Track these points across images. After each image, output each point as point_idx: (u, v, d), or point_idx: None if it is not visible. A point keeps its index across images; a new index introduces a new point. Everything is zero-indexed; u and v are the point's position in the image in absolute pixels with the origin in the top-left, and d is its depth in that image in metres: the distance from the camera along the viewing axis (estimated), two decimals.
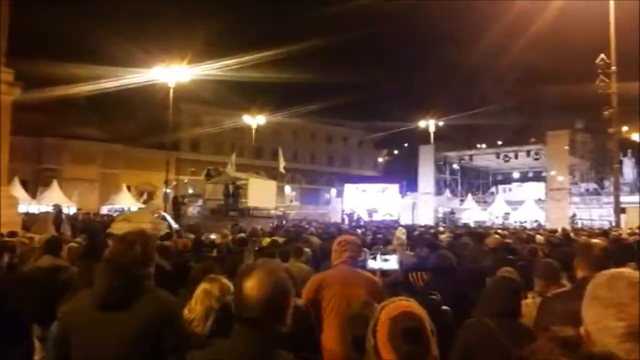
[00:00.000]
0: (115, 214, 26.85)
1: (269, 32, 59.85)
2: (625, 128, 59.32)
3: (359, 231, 18.67)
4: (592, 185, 41.08)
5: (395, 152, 70.45)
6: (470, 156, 37.95)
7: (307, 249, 6.84)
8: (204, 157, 55.70)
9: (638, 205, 38.84)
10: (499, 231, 12.01)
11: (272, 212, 26.06)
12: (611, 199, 41.32)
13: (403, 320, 1.87)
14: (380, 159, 71.77)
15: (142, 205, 31.79)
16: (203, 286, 3.10)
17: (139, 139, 48.21)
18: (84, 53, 37.41)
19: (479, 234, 9.82)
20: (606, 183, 43.62)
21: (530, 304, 3.81)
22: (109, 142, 50.39)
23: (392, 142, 65.78)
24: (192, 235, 12.20)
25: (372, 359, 1.90)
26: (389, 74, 68.93)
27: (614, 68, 20.16)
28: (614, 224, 32.72)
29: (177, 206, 25.29)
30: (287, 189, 45.96)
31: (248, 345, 1.85)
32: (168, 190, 32.98)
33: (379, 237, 11.22)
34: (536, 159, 34.52)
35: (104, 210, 41.67)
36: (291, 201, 46.11)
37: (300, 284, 5.33)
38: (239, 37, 52.90)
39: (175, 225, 19.08)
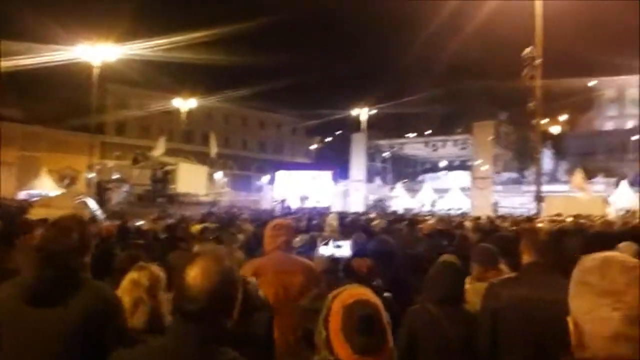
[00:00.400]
0: (34, 200, 25.34)
1: (204, 11, 58.59)
2: (545, 120, 62.47)
3: (292, 217, 18.60)
4: (514, 175, 42.98)
5: (328, 139, 70.67)
6: (401, 145, 38.65)
7: (240, 235, 6.61)
8: (131, 141, 53.61)
9: (556, 194, 41.14)
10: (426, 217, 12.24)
11: (203, 198, 25.43)
12: (531, 187, 43.40)
13: (358, 308, 1.70)
14: (312, 147, 71.82)
15: (63, 190, 30.22)
16: (130, 276, 2.82)
17: (61, 121, 45.70)
18: None
19: (411, 220, 9.89)
20: (526, 173, 45.81)
21: (469, 289, 3.78)
22: (28, 123, 47.49)
23: (324, 129, 65.90)
24: (117, 222, 11.66)
25: (322, 353, 1.73)
26: (323, 61, 69.09)
27: (539, 61, 20.92)
28: (534, 212, 34.51)
29: (101, 191, 24.19)
30: (218, 175, 45.11)
31: (186, 342, 1.61)
32: (91, 175, 31.48)
33: (314, 223, 11.10)
34: (463, 149, 35.64)
35: (22, 195, 39.29)
36: (222, 188, 45.29)
37: None
38: (171, 16, 50.90)
39: (98, 211, 18.22)
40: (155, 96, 50.16)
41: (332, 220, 10.41)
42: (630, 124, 67.61)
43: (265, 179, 58.16)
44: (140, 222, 10.53)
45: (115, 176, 42.10)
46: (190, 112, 46.65)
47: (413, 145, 39.06)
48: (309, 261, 4.02)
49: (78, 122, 40.40)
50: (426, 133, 45.29)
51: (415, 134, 46.81)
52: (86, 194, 23.16)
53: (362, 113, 45.48)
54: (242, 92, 51.04)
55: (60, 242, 2.36)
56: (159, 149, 25.86)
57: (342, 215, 17.04)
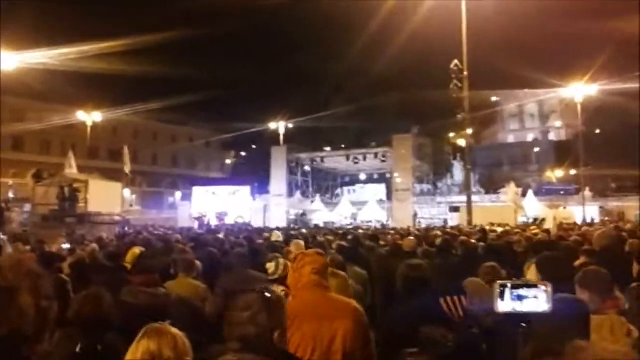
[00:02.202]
0: None
1: (112, 19, 55.72)
2: (452, 134, 65.02)
3: (220, 235, 17.40)
4: (427, 187, 43.99)
5: (243, 153, 69.38)
6: (322, 158, 38.34)
7: (197, 262, 5.58)
8: (29, 157, 49.79)
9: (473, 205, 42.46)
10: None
11: (117, 217, 23.49)
12: (444, 198, 44.79)
13: None
14: (228, 161, 70.17)
15: None
16: (144, 345, 1.89)
17: None
18: None
19: (373, 235, 9.23)
20: (439, 184, 47.17)
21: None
22: None
23: (239, 143, 64.64)
24: (26, 247, 10.07)
25: None
26: (237, 74, 67.92)
27: (466, 73, 21.28)
28: (447, 222, 35.37)
29: (0, 212, 21.65)
30: (126, 192, 42.57)
31: None
32: None
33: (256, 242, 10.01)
34: (383, 161, 35.89)
35: None
36: (131, 205, 42.74)
37: (180, 307, 4.20)
38: (76, 23, 47.94)
39: (1, 235, 16.10)
40: (56, 109, 46.73)
41: (276, 238, 9.54)
42: (530, 137, 72.01)
43: (178, 195, 55.92)
44: (65, 246, 9.07)
45: (11, 195, 38.58)
46: (95, 127, 43.76)
47: (334, 159, 38.84)
48: (352, 301, 3.10)
49: None
50: (342, 146, 45.38)
51: (329, 148, 46.80)
52: None
53: (280, 126, 44.83)
54: (152, 104, 48.77)
55: None
56: (69, 165, 23.66)
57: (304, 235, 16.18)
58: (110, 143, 55.68)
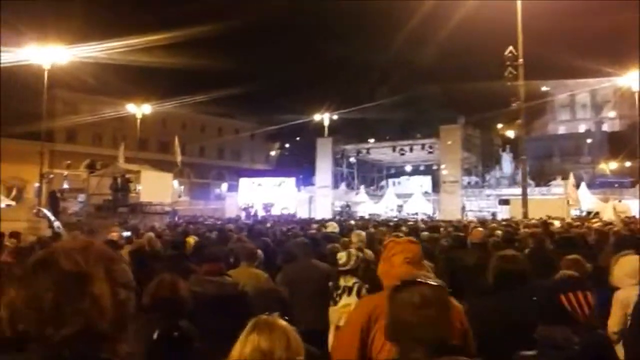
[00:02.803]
0: None
1: (160, 13, 56.74)
2: (500, 125, 63.60)
3: (267, 225, 17.47)
4: (475, 179, 43.10)
5: (287, 145, 69.65)
6: (367, 149, 38.03)
7: (259, 251, 5.51)
8: (82, 149, 51.29)
9: (519, 197, 41.44)
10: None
11: (167, 208, 23.91)
12: (493, 191, 43.82)
13: None
14: (272, 153, 70.61)
15: (11, 202, 28.00)
16: (252, 341, 1.76)
17: (6, 129, 42.93)
18: None
19: (433, 227, 9.00)
20: (487, 176, 46.15)
21: None
22: None
23: (284, 135, 64.86)
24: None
25: None
26: (282, 66, 68.12)
27: (521, 60, 20.60)
28: (496, 215, 34.58)
29: (55, 202, 22.29)
30: (175, 183, 43.37)
31: None
32: (39, 185, 29.24)
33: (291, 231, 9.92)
34: (429, 153, 35.32)
35: None
36: (179, 196, 43.54)
37: (259, 298, 4.11)
38: (125, 18, 48.87)
39: (56, 223, 16.62)
40: (107, 102, 47.91)
41: (333, 229, 9.42)
42: (581, 128, 69.63)
43: (225, 186, 56.66)
44: (120, 234, 9.23)
45: (65, 186, 39.87)
46: (144, 119, 44.66)
47: (379, 150, 38.46)
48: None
49: (24, 130, 37.99)
50: (387, 138, 44.91)
51: (373, 140, 46.42)
52: (40, 206, 21.37)
53: (325, 118, 44.74)
54: (198, 97, 49.45)
55: None
56: (121, 156, 24.21)
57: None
58: (160, 135, 56.75)
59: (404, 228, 9.84)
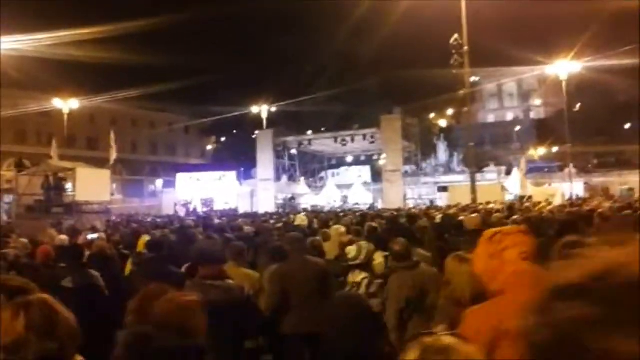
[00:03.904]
0: None
1: (90, 6, 53.99)
2: (432, 115, 65.14)
3: (217, 221, 16.82)
4: (411, 167, 43.87)
5: (223, 139, 68.32)
6: (309, 141, 37.75)
7: (242, 246, 5.08)
8: (3, 148, 48.15)
9: (455, 184, 42.59)
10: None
11: (109, 206, 22.71)
12: (428, 179, 44.76)
13: None
14: (209, 147, 69.01)
15: None
16: None
17: None
18: None
19: (412, 216, 8.79)
20: (423, 165, 47.07)
21: None
22: None
23: (219, 129, 63.54)
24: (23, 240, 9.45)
25: None
26: (215, 59, 66.52)
27: (466, 48, 20.86)
28: (434, 202, 35.32)
29: None
30: None
31: None
32: None
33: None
34: (371, 143, 35.48)
35: None
36: (112, 194, 41.65)
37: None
38: (53, 9, 46.06)
39: None
40: (31, 97, 45.11)
41: (301, 222, 9.06)
42: (509, 116, 72.44)
43: (159, 182, 54.83)
44: (86, 237, 8.49)
45: None
46: (71, 114, 42.40)
47: (321, 141, 38.27)
48: None
49: None
50: (322, 129, 44.82)
51: (310, 132, 46.26)
52: None
53: (263, 110, 44.04)
54: (130, 92, 47.44)
55: None
56: (54, 153, 22.73)
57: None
58: (88, 131, 54.27)
59: (380, 220, 9.51)
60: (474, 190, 22.91)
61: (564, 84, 35.66)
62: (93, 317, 2.60)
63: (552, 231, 5.00)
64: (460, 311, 2.63)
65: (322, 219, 10.49)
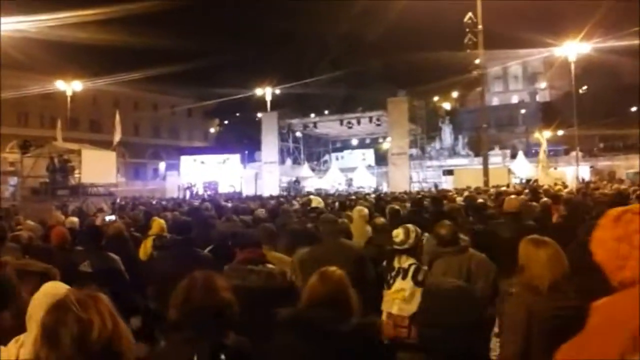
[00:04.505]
0: None
1: None
2: (436, 98, 64.60)
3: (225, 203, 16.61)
4: (416, 150, 43.62)
5: (226, 122, 67.91)
6: (315, 123, 37.37)
7: (274, 228, 4.82)
8: (6, 130, 47.87)
9: (460, 167, 42.37)
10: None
11: (112, 189, 22.48)
12: (433, 162, 44.50)
13: None
14: (211, 129, 68.61)
15: None
16: None
17: None
18: None
19: (437, 198, 8.54)
20: (428, 148, 46.79)
21: None
22: None
23: (222, 111, 63.12)
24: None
25: None
26: (218, 41, 65.88)
27: (480, 27, 20.45)
28: (438, 185, 35.09)
29: None
30: None
31: None
32: None
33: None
34: (377, 125, 35.14)
35: None
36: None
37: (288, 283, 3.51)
38: None
39: None
40: (34, 79, 44.64)
41: (317, 204, 8.81)
42: (514, 99, 71.84)
43: (162, 165, 54.64)
44: (104, 219, 8.26)
45: None
46: (73, 97, 42.02)
47: (326, 124, 37.89)
48: None
49: None
50: (326, 112, 44.41)
51: (314, 115, 45.91)
52: None
53: (267, 93, 43.60)
54: (133, 74, 46.98)
55: None
56: (59, 135, 22.44)
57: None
58: (91, 114, 54.00)
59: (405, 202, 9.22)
60: (486, 173, 22.68)
61: (572, 65, 35.15)
62: (113, 303, 2.42)
63: None
64: (537, 299, 2.41)
65: (341, 200, 10.22)
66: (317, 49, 61.18)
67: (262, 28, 68.47)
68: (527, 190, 11.23)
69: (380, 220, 5.34)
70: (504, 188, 15.99)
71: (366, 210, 6.31)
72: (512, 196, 6.56)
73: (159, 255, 4.98)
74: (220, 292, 2.27)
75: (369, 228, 6.26)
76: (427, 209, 7.28)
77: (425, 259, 4.02)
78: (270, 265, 3.35)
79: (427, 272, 3.75)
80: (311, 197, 11.52)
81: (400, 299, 3.68)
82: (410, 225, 3.95)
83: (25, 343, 2.44)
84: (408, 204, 8.69)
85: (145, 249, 6.60)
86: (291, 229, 5.21)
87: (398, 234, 3.88)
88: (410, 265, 3.76)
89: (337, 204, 10.17)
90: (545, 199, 7.06)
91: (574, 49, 34.73)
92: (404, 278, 3.74)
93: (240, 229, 6.54)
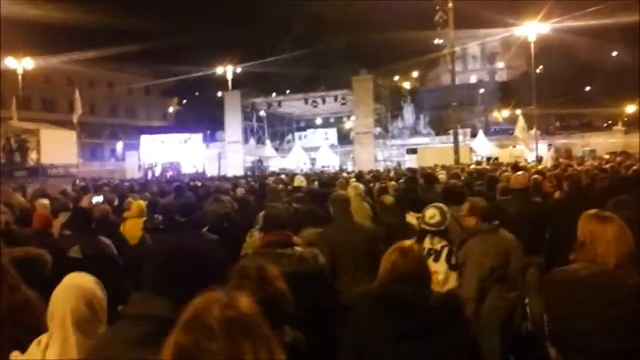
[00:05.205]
0: None
1: None
2: (397, 77, 64.84)
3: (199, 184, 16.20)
4: (378, 130, 43.84)
5: (185, 101, 66.48)
6: (279, 102, 36.95)
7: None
8: None
9: (421, 146, 42.74)
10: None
11: (73, 170, 21.66)
12: (396, 141, 44.81)
13: None
14: (170, 109, 67.05)
15: None
16: None
17: None
18: None
19: (429, 175, 8.43)
20: (389, 127, 47.07)
21: None
22: None
23: (181, 90, 61.68)
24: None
25: None
26: (176, 18, 63.96)
27: (451, 4, 20.43)
28: (401, 165, 35.39)
29: None
30: None
31: None
32: None
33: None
34: (343, 104, 35.04)
35: None
36: None
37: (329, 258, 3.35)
38: None
39: None
40: None
41: (299, 183, 8.63)
42: (473, 78, 72.87)
43: (120, 145, 53.22)
44: (91, 201, 7.86)
45: None
46: (24, 75, 40.13)
47: (290, 103, 37.52)
48: None
49: None
50: (287, 92, 43.97)
51: (275, 94, 45.38)
52: None
53: (228, 71, 42.68)
54: (86, 51, 45.26)
55: None
56: (14, 114, 21.37)
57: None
58: (44, 92, 51.94)
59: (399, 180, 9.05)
60: (456, 150, 22.94)
61: (532, 45, 35.71)
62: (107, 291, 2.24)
63: None
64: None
65: (324, 179, 10.04)
66: (279, 26, 60.21)
67: (222, 4, 66.81)
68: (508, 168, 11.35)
69: (389, 198, 5.21)
70: (472, 166, 16.13)
71: (362, 187, 6.18)
72: (520, 172, 6.53)
73: (158, 238, 4.71)
74: (273, 282, 2.10)
75: (366, 205, 6.15)
76: (422, 186, 7.19)
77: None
78: (298, 248, 3.17)
79: (459, 254, 3.64)
80: (296, 176, 11.32)
81: (435, 282, 3.57)
82: (442, 205, 3.82)
83: (50, 345, 2.15)
84: (392, 182, 8.60)
85: (129, 232, 6.30)
86: (297, 208, 5.02)
87: (434, 214, 3.74)
88: (442, 247, 3.65)
89: (316, 183, 9.99)
90: (536, 176, 7.07)
91: (533, 29, 35.25)
92: (436, 260, 3.63)
93: (229, 210, 6.33)
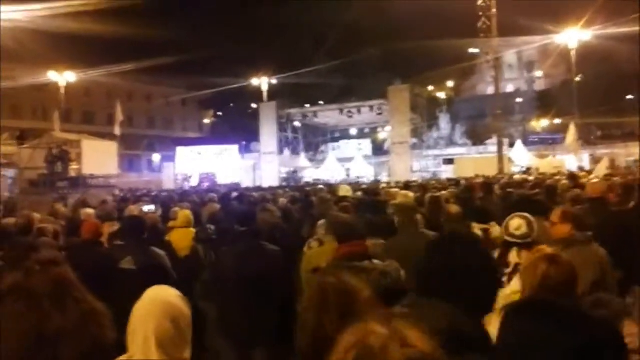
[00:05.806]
0: None
1: None
2: (431, 88, 64.25)
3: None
4: (413, 140, 43.40)
5: (220, 113, 67.19)
6: (315, 113, 36.93)
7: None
8: None
9: (459, 156, 42.10)
10: None
11: (113, 180, 21.90)
12: (431, 151, 44.26)
13: None
14: (206, 120, 67.84)
15: None
16: None
17: None
18: None
19: (486, 184, 8.11)
20: (425, 137, 46.55)
21: None
22: None
23: (216, 102, 62.40)
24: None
25: None
26: (211, 30, 64.90)
27: (494, 10, 20.07)
28: (439, 175, 34.85)
29: None
30: None
31: None
32: None
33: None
34: (379, 114, 34.76)
35: None
36: None
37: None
38: None
39: None
40: (25, 70, 43.70)
41: (346, 192, 8.38)
42: (509, 88, 71.71)
43: (157, 157, 53.96)
44: (142, 209, 7.78)
45: None
46: (66, 88, 41.19)
47: (326, 113, 37.45)
48: None
49: None
50: (320, 103, 43.90)
51: (309, 105, 45.35)
52: None
53: (263, 83, 42.96)
54: (125, 65, 46.15)
55: None
56: (57, 125, 21.79)
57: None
58: (84, 105, 53.18)
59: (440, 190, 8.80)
60: (501, 159, 22.45)
61: (572, 53, 34.85)
62: None
63: None
64: None
65: (370, 189, 9.78)
66: (314, 37, 60.45)
67: (257, 17, 67.48)
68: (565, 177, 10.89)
69: (455, 208, 4.93)
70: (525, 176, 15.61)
71: (412, 195, 5.90)
72: (595, 180, 6.13)
73: (199, 248, 4.51)
74: (358, 295, 1.87)
75: (418, 216, 5.86)
76: (479, 196, 6.86)
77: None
78: (376, 261, 2.91)
79: None
80: (341, 186, 11.10)
81: None
82: (528, 215, 3.52)
83: None
84: (444, 192, 8.28)
85: (176, 242, 6.16)
86: (364, 219, 4.77)
87: (520, 225, 3.45)
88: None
89: (359, 193, 9.72)
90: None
91: (574, 36, 34.41)
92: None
93: (278, 220, 6.13)
